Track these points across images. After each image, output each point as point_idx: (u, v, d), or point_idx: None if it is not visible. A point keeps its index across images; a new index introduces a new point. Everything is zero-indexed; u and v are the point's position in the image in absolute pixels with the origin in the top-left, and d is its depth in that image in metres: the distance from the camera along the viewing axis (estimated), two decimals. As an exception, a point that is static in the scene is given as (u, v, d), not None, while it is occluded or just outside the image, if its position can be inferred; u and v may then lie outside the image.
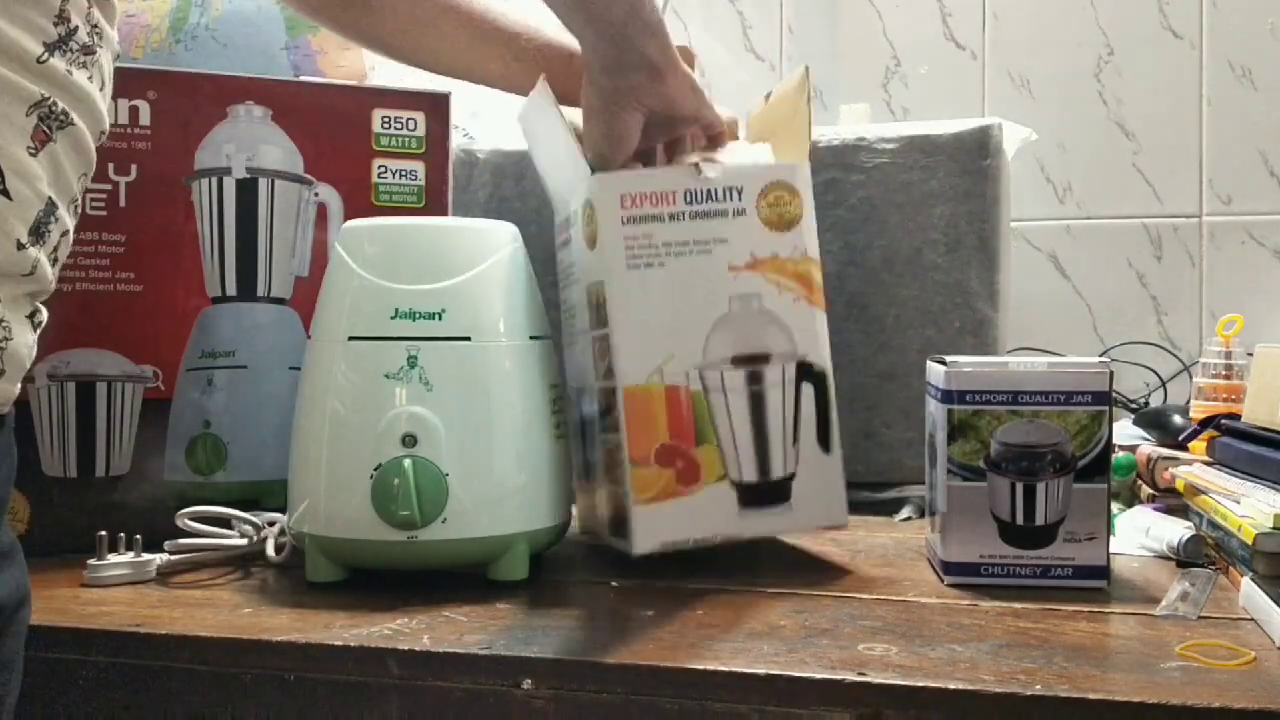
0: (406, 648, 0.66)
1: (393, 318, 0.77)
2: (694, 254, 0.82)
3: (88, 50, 0.64)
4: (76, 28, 0.63)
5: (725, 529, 0.82)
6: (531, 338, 0.82)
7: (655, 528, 0.81)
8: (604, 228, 0.82)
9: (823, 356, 0.84)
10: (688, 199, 0.82)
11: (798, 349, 0.83)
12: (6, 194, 0.60)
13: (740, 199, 0.83)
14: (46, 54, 0.61)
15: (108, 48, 0.66)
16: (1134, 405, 1.31)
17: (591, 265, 0.84)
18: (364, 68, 1.20)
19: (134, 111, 0.91)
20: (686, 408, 0.82)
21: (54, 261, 0.64)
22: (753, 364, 0.83)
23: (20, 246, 0.61)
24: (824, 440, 0.84)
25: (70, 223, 0.65)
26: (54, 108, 0.62)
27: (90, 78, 0.65)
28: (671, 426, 0.82)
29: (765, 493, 0.83)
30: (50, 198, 0.63)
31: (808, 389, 0.84)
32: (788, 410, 0.83)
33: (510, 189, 1.13)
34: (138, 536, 0.82)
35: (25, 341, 0.63)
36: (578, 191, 0.86)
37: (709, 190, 0.83)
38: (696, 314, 0.82)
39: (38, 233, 0.62)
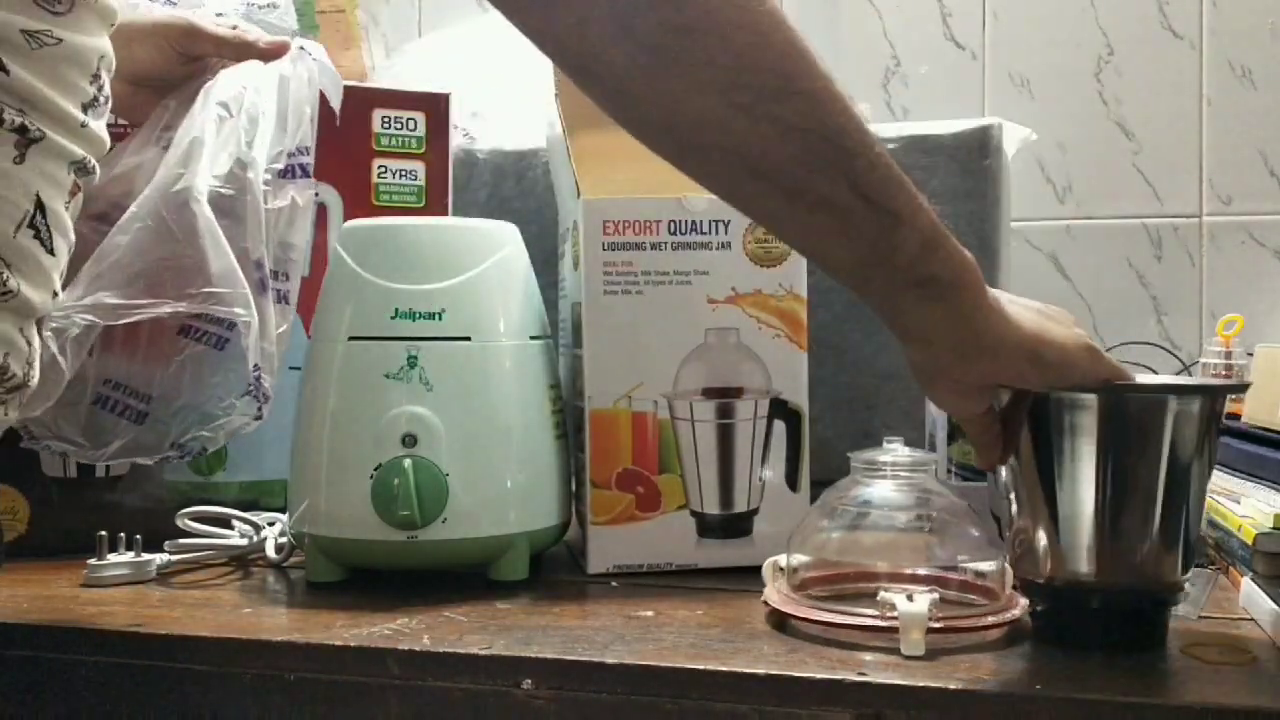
0: (406, 648, 0.66)
1: (393, 318, 0.77)
2: (673, 284, 0.83)
3: (107, 100, 0.66)
4: (104, 82, 0.65)
5: (681, 557, 0.84)
6: (531, 338, 0.82)
7: (610, 550, 0.83)
8: (585, 251, 0.83)
9: (800, 395, 0.84)
10: (671, 229, 0.83)
11: (773, 386, 0.84)
12: (53, 252, 0.63)
13: (726, 232, 0.83)
14: (85, 116, 0.64)
15: (109, 84, 0.68)
16: (1134, 405, 1.30)
17: (574, 285, 0.86)
18: (364, 67, 1.21)
19: (134, 111, 0.90)
20: (652, 435, 0.83)
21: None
22: (724, 397, 0.83)
23: (55, 295, 0.64)
24: (792, 479, 0.85)
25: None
26: (87, 164, 0.65)
27: (105, 124, 0.67)
28: (635, 452, 0.83)
29: (726, 525, 0.84)
30: (71, 243, 0.66)
31: (780, 427, 0.84)
32: (756, 446, 0.84)
33: (510, 189, 1.13)
34: (138, 536, 0.82)
35: (38, 374, 0.65)
36: (571, 209, 0.87)
37: (694, 222, 0.83)
38: (671, 343, 0.83)
39: (62, 274, 0.65)
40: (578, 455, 0.85)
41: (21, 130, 0.60)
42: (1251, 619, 0.71)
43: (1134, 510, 0.64)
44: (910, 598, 0.65)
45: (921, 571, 0.71)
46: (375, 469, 0.76)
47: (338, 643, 0.67)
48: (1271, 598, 0.68)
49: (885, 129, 1.10)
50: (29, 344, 0.63)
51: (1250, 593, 0.72)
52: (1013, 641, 0.67)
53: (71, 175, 0.64)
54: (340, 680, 0.67)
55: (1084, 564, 0.65)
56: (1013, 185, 1.19)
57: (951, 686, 0.59)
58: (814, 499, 0.84)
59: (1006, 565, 0.70)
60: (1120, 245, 1.42)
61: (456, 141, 1.11)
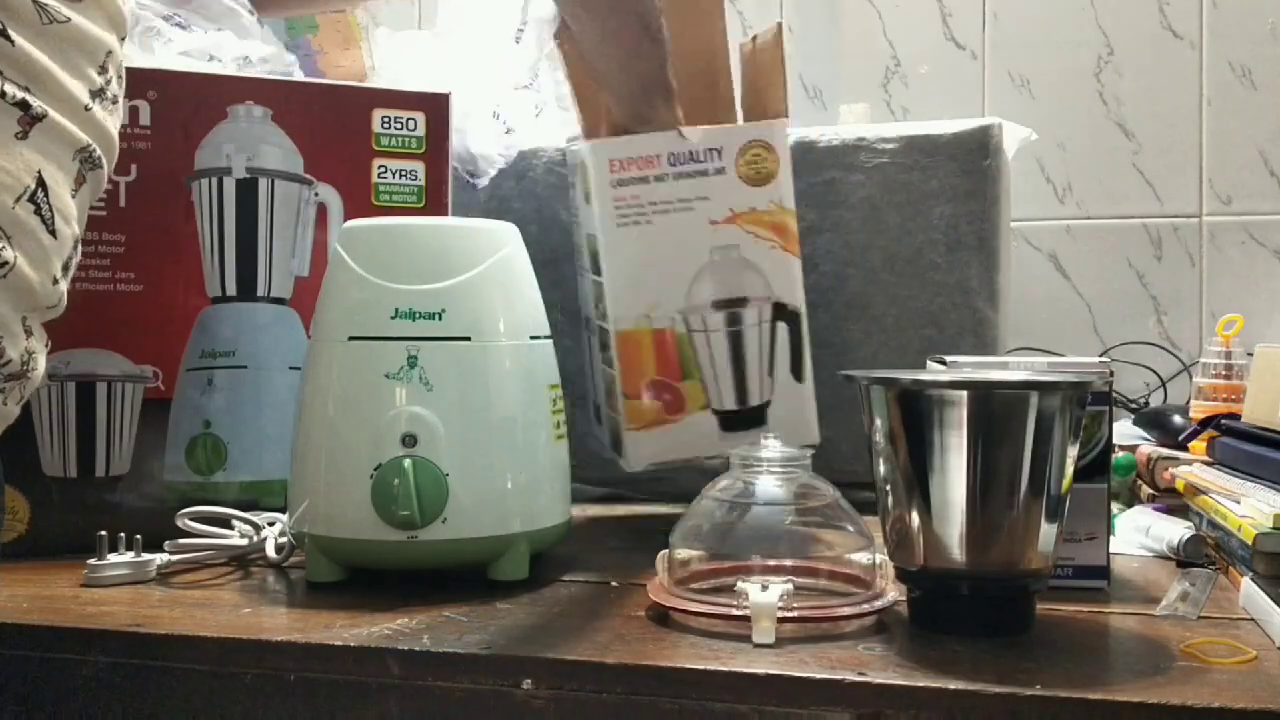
0: (406, 648, 0.66)
1: (393, 318, 0.77)
2: (678, 211, 0.90)
3: (115, 99, 0.68)
4: (111, 78, 0.67)
5: (707, 450, 0.93)
6: (531, 338, 0.82)
7: (645, 450, 0.92)
8: (595, 189, 0.90)
9: (797, 298, 0.93)
10: (671, 161, 0.90)
11: (773, 292, 0.92)
12: (54, 234, 0.63)
13: (720, 158, 0.91)
14: (91, 102, 0.65)
15: (121, 92, 0.70)
16: (1134, 405, 1.31)
17: (587, 217, 0.93)
18: (364, 68, 1.20)
19: (134, 111, 0.90)
20: (672, 347, 0.92)
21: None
22: (731, 307, 0.92)
23: (55, 281, 0.64)
24: (797, 371, 0.93)
25: (79, 251, 0.69)
26: (92, 153, 0.65)
27: (115, 123, 0.68)
28: (659, 364, 0.92)
29: (743, 419, 0.93)
30: (78, 235, 0.66)
31: (782, 328, 0.93)
32: (764, 346, 0.93)
33: (510, 189, 1.13)
34: (138, 536, 0.82)
35: (41, 369, 0.65)
36: (578, 149, 0.94)
37: (690, 151, 0.90)
38: (681, 264, 0.91)
39: (66, 268, 0.66)
40: (606, 372, 0.94)
41: (23, 106, 0.61)
42: (1251, 619, 0.71)
43: (1000, 500, 0.66)
44: (764, 588, 0.67)
45: (793, 563, 0.73)
46: (375, 469, 0.75)
47: (338, 643, 0.67)
48: (1271, 598, 0.68)
49: (885, 129, 1.10)
50: (29, 333, 0.63)
51: (1250, 593, 0.72)
52: (1006, 643, 0.67)
53: (76, 163, 0.65)
54: (340, 680, 0.67)
55: (955, 552, 0.67)
56: (1013, 185, 1.19)
57: (951, 686, 0.59)
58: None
59: (881, 556, 0.72)
60: (1120, 245, 1.42)
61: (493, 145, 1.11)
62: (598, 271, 0.92)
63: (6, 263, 0.60)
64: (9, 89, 0.60)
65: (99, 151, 0.66)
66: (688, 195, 0.90)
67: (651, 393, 0.92)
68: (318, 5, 1.10)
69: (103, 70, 0.66)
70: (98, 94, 0.66)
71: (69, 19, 0.63)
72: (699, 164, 0.90)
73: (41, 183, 0.62)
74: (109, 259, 0.90)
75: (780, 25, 0.94)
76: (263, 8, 1.05)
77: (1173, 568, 0.84)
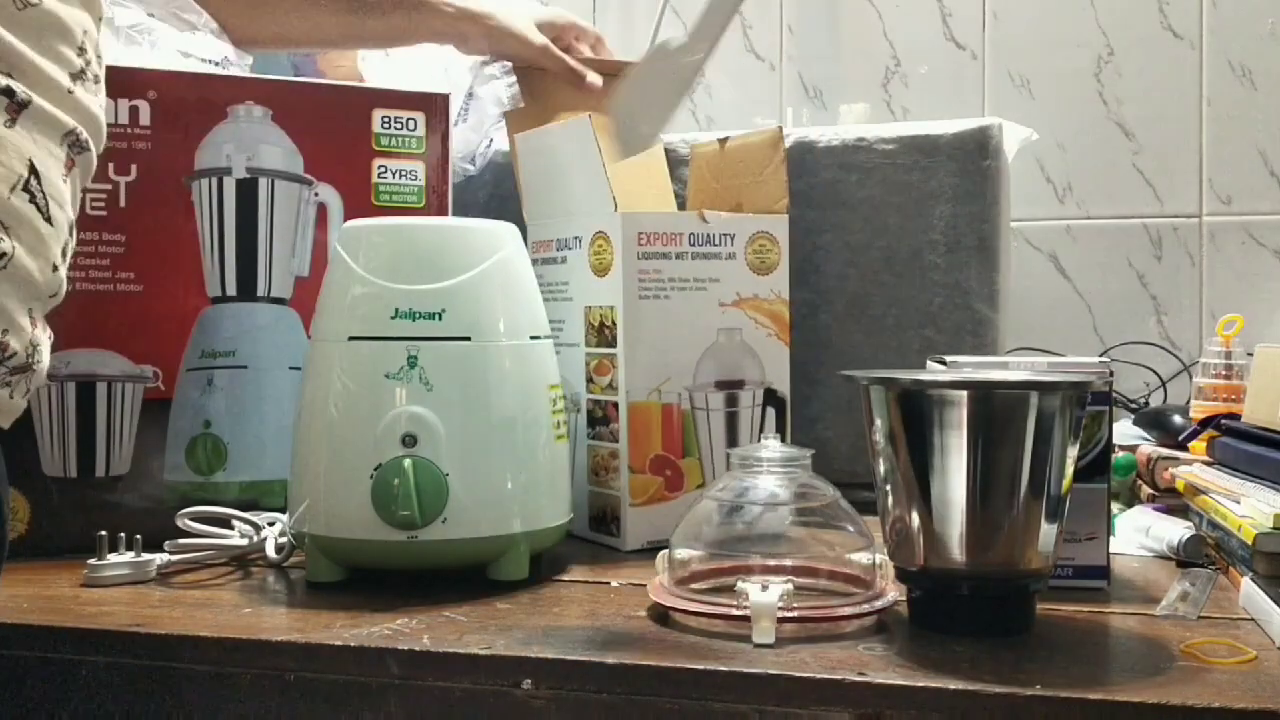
0: (406, 648, 0.66)
1: (393, 318, 0.77)
2: (693, 289, 0.93)
3: (97, 79, 0.68)
4: (91, 59, 0.67)
5: None
6: (531, 338, 0.82)
7: (643, 528, 0.91)
8: (620, 260, 0.90)
9: (784, 384, 0.97)
10: (691, 241, 0.93)
11: (766, 377, 0.96)
12: (50, 221, 0.63)
13: (733, 244, 0.94)
14: (72, 84, 0.65)
15: (102, 71, 0.70)
16: (1134, 405, 1.31)
17: (598, 291, 0.92)
18: (358, 70, 1.21)
19: (134, 111, 0.90)
20: (677, 424, 0.93)
21: (67, 278, 0.68)
22: (731, 388, 0.95)
23: (54, 269, 0.64)
24: None
25: (75, 236, 0.68)
26: (79, 136, 0.65)
27: (99, 103, 0.68)
28: (665, 439, 0.93)
29: None
30: (72, 220, 0.66)
31: (771, 411, 0.96)
32: (754, 428, 0.96)
33: (510, 189, 1.13)
34: (138, 536, 0.82)
35: (46, 362, 0.65)
36: (588, 220, 0.92)
37: (709, 234, 0.93)
38: (691, 342, 0.93)
39: (64, 253, 0.66)
40: (596, 447, 0.93)
41: (7, 93, 0.61)
42: (1251, 619, 0.71)
43: (1000, 500, 0.66)
44: (764, 588, 0.67)
45: (793, 563, 0.73)
46: (375, 469, 0.76)
47: (338, 643, 0.67)
48: (1271, 598, 0.68)
49: (885, 129, 1.10)
50: (33, 325, 0.63)
51: (1250, 593, 0.72)
52: (1006, 643, 0.67)
53: (64, 149, 0.65)
54: (340, 680, 0.67)
55: (955, 552, 0.67)
56: (1013, 185, 1.19)
57: (951, 686, 0.59)
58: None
59: (881, 556, 0.72)
60: (1120, 245, 1.42)
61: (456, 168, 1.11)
62: (606, 344, 0.91)
63: (5, 253, 0.60)
64: None
65: (85, 134, 0.66)
66: (703, 275, 0.93)
67: (654, 468, 0.92)
68: (292, 46, 1.11)
69: (81, 51, 0.66)
70: (78, 75, 0.66)
71: (39, 2, 0.63)
72: (715, 247, 0.93)
73: (34, 170, 0.62)
74: (109, 259, 0.90)
75: (780, 128, 0.98)
76: (238, 42, 1.06)
77: (1173, 568, 0.84)
